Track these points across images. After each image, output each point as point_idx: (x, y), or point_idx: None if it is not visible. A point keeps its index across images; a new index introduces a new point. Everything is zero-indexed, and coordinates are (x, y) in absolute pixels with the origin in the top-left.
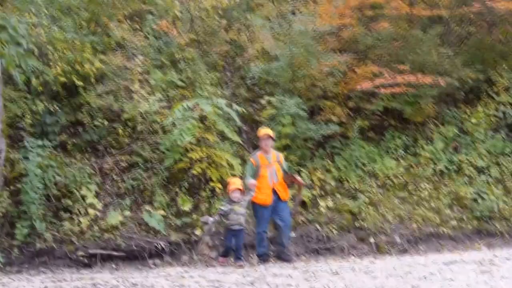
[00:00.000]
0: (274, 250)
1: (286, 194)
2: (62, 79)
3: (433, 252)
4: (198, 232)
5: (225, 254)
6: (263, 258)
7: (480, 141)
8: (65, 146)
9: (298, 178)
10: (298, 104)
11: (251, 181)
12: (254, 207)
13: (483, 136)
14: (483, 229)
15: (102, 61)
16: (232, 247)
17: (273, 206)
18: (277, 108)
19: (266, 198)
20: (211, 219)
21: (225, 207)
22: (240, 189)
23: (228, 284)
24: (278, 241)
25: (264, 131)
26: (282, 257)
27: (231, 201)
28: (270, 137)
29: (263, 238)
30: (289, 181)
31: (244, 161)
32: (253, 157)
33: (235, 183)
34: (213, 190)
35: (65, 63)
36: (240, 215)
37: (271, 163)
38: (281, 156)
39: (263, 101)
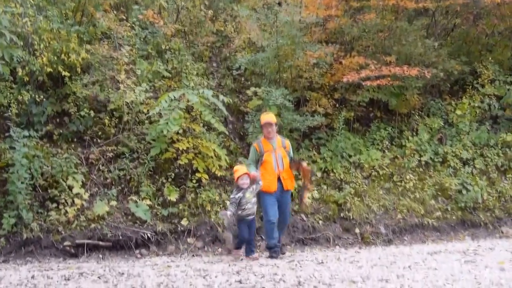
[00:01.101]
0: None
1: (291, 183)
2: (48, 69)
3: (417, 242)
4: (184, 222)
5: (239, 246)
6: (274, 251)
7: (465, 132)
8: (51, 136)
9: (305, 164)
10: (284, 95)
11: (253, 173)
12: (259, 194)
13: (468, 128)
14: (467, 219)
15: (88, 51)
16: (245, 239)
17: (278, 196)
18: (263, 99)
19: (270, 185)
20: (228, 212)
21: (236, 194)
22: (248, 174)
23: (214, 273)
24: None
25: (265, 118)
26: (271, 252)
27: (240, 189)
28: (273, 123)
29: (273, 228)
30: (295, 168)
31: (230, 152)
32: (256, 141)
33: (239, 169)
34: (199, 181)
35: (51, 53)
36: (253, 204)
37: (276, 149)
38: (287, 142)
39: (249, 92)
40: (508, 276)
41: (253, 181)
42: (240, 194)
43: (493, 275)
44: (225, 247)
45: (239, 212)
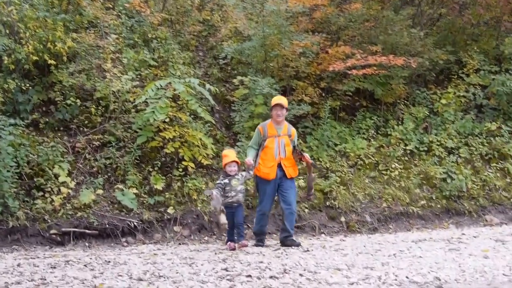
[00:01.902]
0: (279, 236)
1: (294, 171)
2: (34, 57)
3: (402, 230)
4: (170, 210)
5: (231, 238)
6: (259, 239)
7: (450, 122)
8: (38, 125)
9: (306, 156)
10: (270, 84)
11: (247, 160)
12: (256, 180)
13: (453, 117)
14: (452, 208)
15: (74, 39)
16: (230, 225)
17: (278, 183)
18: (250, 88)
19: (269, 172)
20: (214, 191)
21: (222, 180)
22: (236, 162)
23: (200, 261)
24: (281, 225)
25: (276, 99)
26: (286, 243)
27: (227, 175)
28: (284, 107)
29: (262, 217)
30: (297, 158)
31: (217, 141)
32: (261, 125)
33: (228, 155)
34: (185, 169)
35: (36, 41)
36: (238, 191)
37: (281, 135)
38: (293, 130)
39: (235, 81)
40: (492, 264)
41: (247, 168)
42: (226, 181)
43: (477, 263)
44: (220, 229)
45: (223, 199)
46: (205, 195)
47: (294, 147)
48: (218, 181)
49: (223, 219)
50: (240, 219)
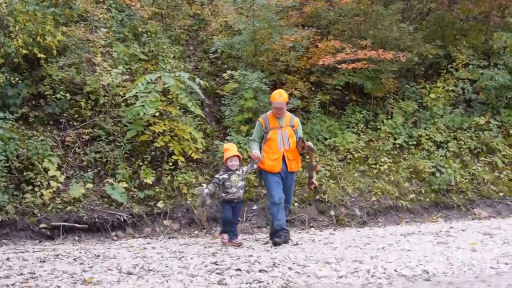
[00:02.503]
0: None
1: (296, 165)
2: (24, 51)
3: (391, 224)
4: (160, 204)
5: (225, 230)
6: (278, 236)
7: (439, 116)
8: (27, 119)
9: (309, 143)
10: (260, 78)
11: (255, 152)
12: (262, 174)
13: (442, 111)
14: (441, 202)
15: (64, 33)
16: (228, 220)
17: (282, 177)
18: (240, 82)
19: (274, 165)
20: (205, 190)
21: (220, 175)
22: (238, 156)
23: (190, 255)
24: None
25: (275, 98)
26: (274, 238)
27: (228, 170)
28: (283, 106)
29: (278, 210)
30: (301, 147)
31: (207, 135)
32: (263, 116)
33: (230, 149)
34: (175, 163)
35: (26, 35)
36: (239, 188)
37: (283, 126)
38: (296, 120)
39: (226, 75)
40: (479, 257)
41: (254, 160)
42: (225, 176)
43: (464, 256)
44: (199, 225)
45: (223, 195)
46: (195, 192)
47: (299, 138)
48: (216, 176)
49: (203, 216)
50: (236, 217)
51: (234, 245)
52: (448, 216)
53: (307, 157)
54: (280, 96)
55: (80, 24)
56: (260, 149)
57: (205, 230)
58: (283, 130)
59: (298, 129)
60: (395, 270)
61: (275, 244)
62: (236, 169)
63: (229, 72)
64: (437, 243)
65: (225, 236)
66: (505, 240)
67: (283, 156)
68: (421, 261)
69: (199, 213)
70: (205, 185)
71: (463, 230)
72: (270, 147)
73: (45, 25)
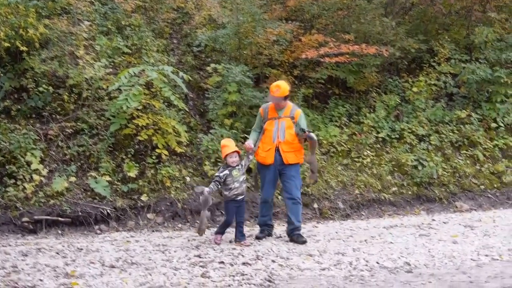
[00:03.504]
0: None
1: (294, 157)
2: (6, 44)
3: (374, 217)
4: (144, 198)
5: (222, 231)
6: (263, 230)
7: (421, 109)
8: (9, 112)
9: (311, 134)
10: (244, 72)
11: (247, 144)
12: (257, 166)
13: (424, 105)
14: (423, 194)
15: (47, 26)
16: (230, 222)
17: (279, 170)
18: (223, 76)
19: (265, 156)
20: (206, 189)
21: (221, 172)
22: (237, 152)
23: (173, 248)
24: (287, 218)
25: (273, 88)
26: (292, 238)
27: (228, 167)
28: (280, 101)
29: (264, 206)
30: (303, 138)
31: (191, 128)
32: (263, 106)
33: (228, 145)
34: (159, 157)
35: (8, 28)
36: (241, 182)
37: (281, 117)
38: (297, 112)
39: (209, 69)
40: (460, 249)
41: (247, 152)
42: (226, 172)
43: (446, 248)
44: (199, 228)
45: (226, 193)
46: (196, 190)
47: (302, 129)
48: (216, 174)
49: (205, 220)
50: (242, 216)
51: (243, 246)
52: (430, 209)
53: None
54: (277, 89)
55: (62, 17)
56: (258, 140)
57: (188, 223)
58: (281, 121)
59: (299, 121)
60: (377, 262)
61: (257, 238)
62: (237, 165)
63: (212, 65)
64: (419, 235)
65: (219, 237)
66: (485, 233)
67: (277, 148)
68: (403, 253)
69: (202, 219)
70: (206, 188)
71: (444, 223)
72: (265, 138)
73: (27, 18)
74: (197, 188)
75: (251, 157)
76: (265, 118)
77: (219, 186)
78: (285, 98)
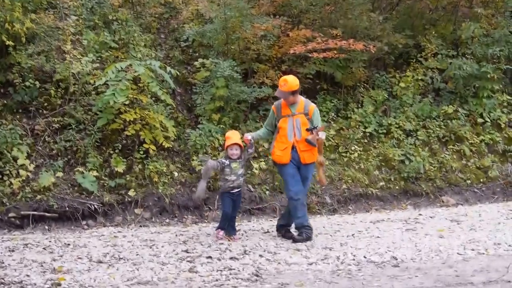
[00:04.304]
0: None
1: (311, 156)
2: None
3: (361, 211)
4: (131, 193)
5: (223, 226)
6: (300, 233)
7: (408, 105)
8: None
9: (321, 133)
10: (232, 67)
11: (244, 136)
12: (276, 167)
13: (411, 100)
14: (410, 189)
15: (33, 20)
16: (228, 214)
17: (297, 167)
18: (211, 71)
19: (282, 155)
20: (210, 160)
21: (222, 158)
22: (239, 145)
23: (161, 243)
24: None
25: (280, 82)
26: (294, 236)
27: (228, 158)
28: (287, 95)
29: (296, 206)
30: (315, 138)
31: (178, 123)
32: (276, 103)
33: (231, 137)
34: (146, 152)
35: None
36: (238, 175)
37: (295, 113)
38: (311, 107)
39: (197, 64)
40: (447, 243)
41: (247, 145)
42: (226, 162)
43: (432, 242)
44: (196, 195)
45: (221, 183)
46: (199, 159)
47: (311, 128)
48: (219, 159)
49: (203, 188)
50: (236, 211)
51: (232, 240)
52: (417, 203)
53: None
54: (284, 84)
55: (49, 11)
56: (273, 139)
57: (176, 219)
58: (295, 118)
59: (313, 117)
60: (365, 257)
61: (295, 241)
62: (238, 158)
63: (200, 60)
64: (405, 230)
65: (221, 232)
66: (471, 227)
67: (294, 147)
68: (390, 247)
69: (200, 186)
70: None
71: (431, 217)
72: (280, 137)
73: (13, 12)
74: (203, 156)
75: (250, 150)
76: (279, 116)
77: (218, 168)
78: (293, 93)
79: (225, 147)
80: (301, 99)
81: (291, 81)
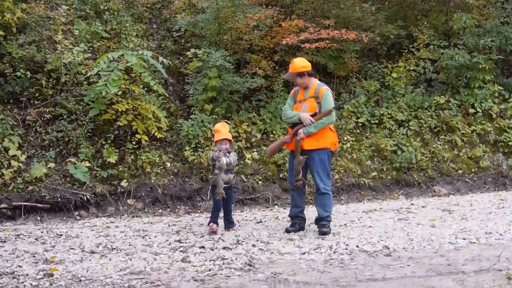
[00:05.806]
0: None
1: (315, 142)
2: None
3: (354, 201)
4: (124, 183)
5: (215, 219)
6: (292, 223)
7: (400, 95)
8: None
9: (316, 118)
10: (224, 57)
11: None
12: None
13: (404, 91)
14: (402, 179)
15: (24, 10)
16: (218, 208)
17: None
18: (204, 61)
19: (290, 143)
20: (223, 157)
21: (214, 151)
22: (228, 139)
23: (154, 233)
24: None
25: (292, 65)
26: (318, 227)
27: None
28: (294, 75)
29: (293, 195)
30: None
31: (171, 114)
32: (294, 88)
33: (221, 131)
34: (139, 142)
35: None
36: (227, 171)
37: (306, 98)
38: (321, 89)
39: (189, 54)
40: (439, 232)
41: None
42: (216, 154)
43: (424, 232)
44: (217, 192)
45: (211, 176)
46: (211, 156)
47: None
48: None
49: (221, 183)
50: (228, 205)
51: (233, 230)
52: (409, 193)
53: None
54: (291, 65)
55: (40, 1)
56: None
57: (169, 209)
58: (304, 103)
59: (322, 101)
60: (357, 246)
61: (287, 231)
62: (227, 153)
63: (192, 50)
64: (398, 219)
65: (214, 226)
66: (463, 216)
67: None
68: (382, 237)
69: (218, 183)
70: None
71: (423, 207)
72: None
73: (3, 2)
74: (215, 153)
75: (227, 160)
76: (294, 101)
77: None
78: (299, 74)
79: (214, 141)
80: (315, 83)
81: (297, 63)
